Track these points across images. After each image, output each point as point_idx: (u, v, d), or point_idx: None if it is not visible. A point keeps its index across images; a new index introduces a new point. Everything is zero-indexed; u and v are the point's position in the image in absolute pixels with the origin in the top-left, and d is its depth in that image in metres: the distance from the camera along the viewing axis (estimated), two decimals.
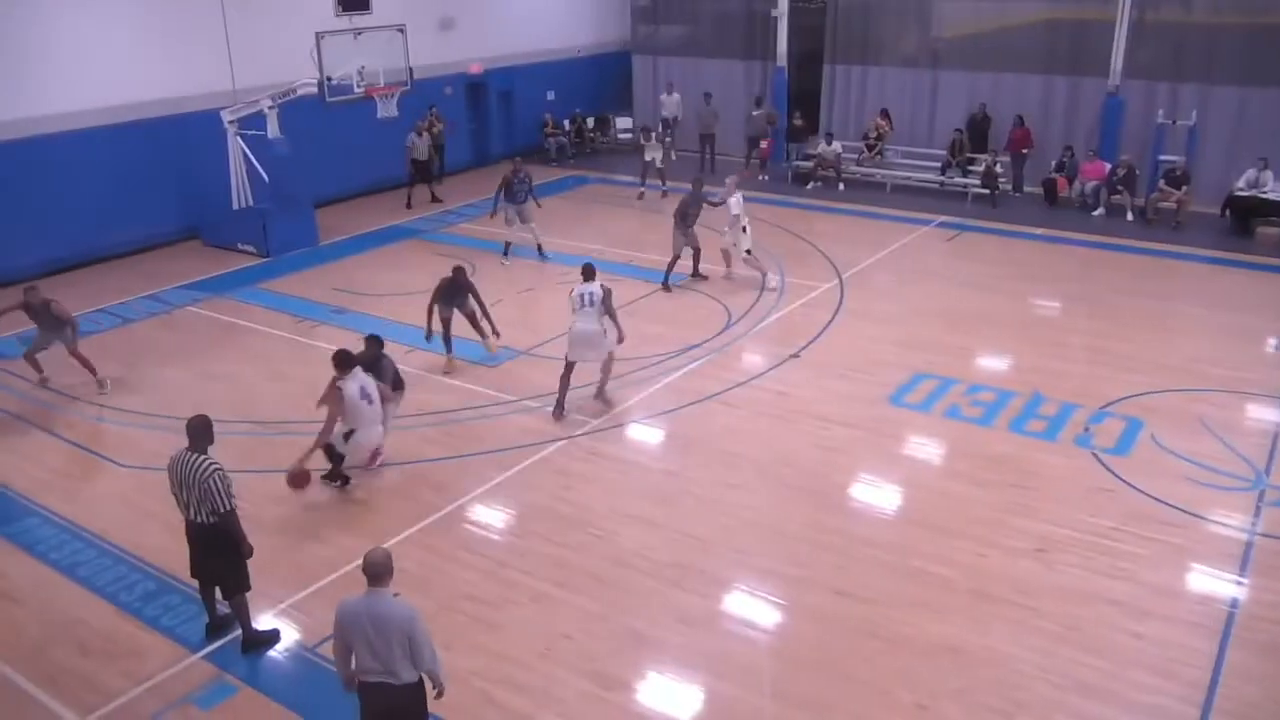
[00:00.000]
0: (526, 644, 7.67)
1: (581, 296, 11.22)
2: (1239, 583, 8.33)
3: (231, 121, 17.69)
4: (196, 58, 18.04)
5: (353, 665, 5.77)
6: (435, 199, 21.20)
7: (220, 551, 7.37)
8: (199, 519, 7.28)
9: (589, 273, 11.56)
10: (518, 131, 25.24)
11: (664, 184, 21.44)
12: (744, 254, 15.63)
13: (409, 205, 20.87)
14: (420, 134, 20.86)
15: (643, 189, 21.48)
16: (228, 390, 12.23)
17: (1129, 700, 6.99)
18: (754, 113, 23.43)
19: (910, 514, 9.49)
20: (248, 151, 17.86)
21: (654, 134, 21.89)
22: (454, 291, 12.54)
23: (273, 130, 17.58)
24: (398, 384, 10.44)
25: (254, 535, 7.54)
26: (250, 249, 17.94)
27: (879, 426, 11.14)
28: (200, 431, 7.28)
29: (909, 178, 22.16)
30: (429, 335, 12.42)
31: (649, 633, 7.78)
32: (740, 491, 9.86)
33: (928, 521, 9.28)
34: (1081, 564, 8.58)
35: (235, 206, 18.22)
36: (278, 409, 11.61)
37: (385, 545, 6.56)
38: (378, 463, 10.04)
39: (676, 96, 24.99)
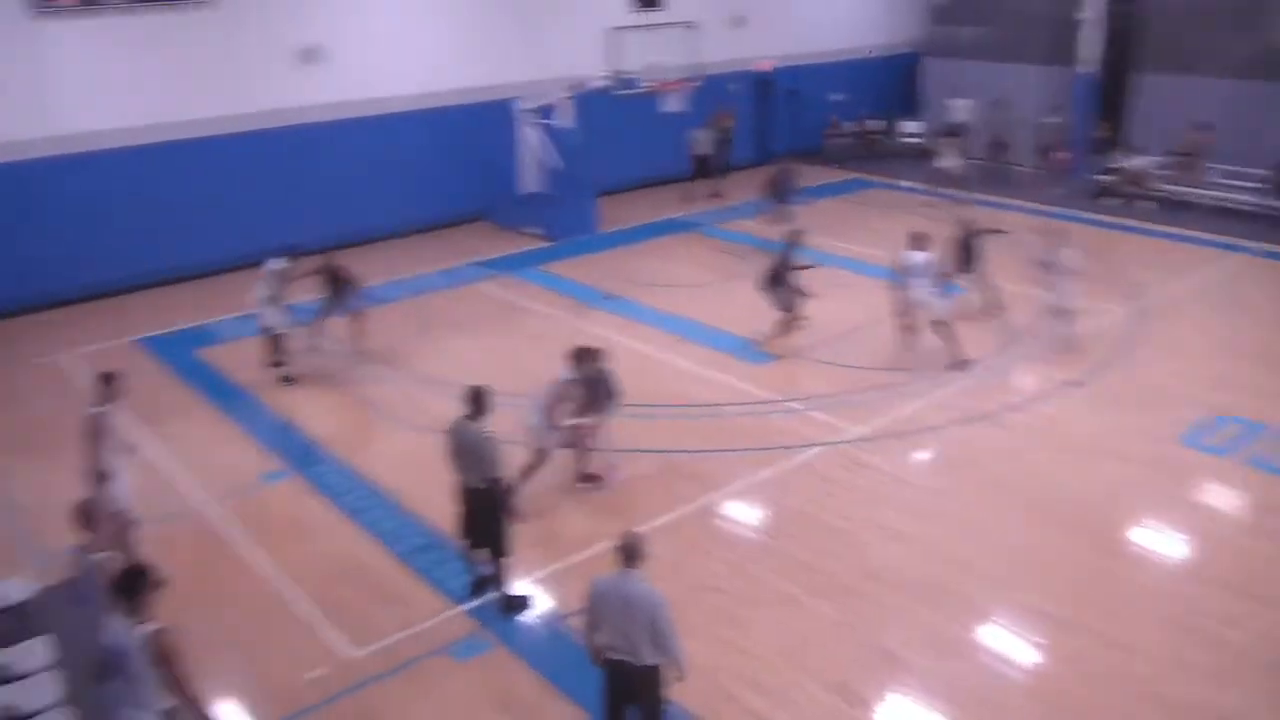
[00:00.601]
0: (770, 645, 7.59)
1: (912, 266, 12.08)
2: None
3: (526, 111, 18.62)
4: (497, 50, 19.22)
5: (599, 641, 5.92)
6: (716, 194, 21.40)
7: (488, 515, 7.78)
8: (471, 483, 7.70)
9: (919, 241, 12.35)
10: (802, 131, 25.03)
11: (959, 192, 20.40)
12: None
13: (689, 199, 21.19)
14: (705, 128, 21.10)
15: (931, 196, 20.66)
16: (505, 363, 12.85)
17: None
18: (1047, 120, 22.06)
19: (1202, 569, 8.61)
20: (538, 140, 18.73)
21: (953, 139, 20.97)
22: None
23: (563, 121, 18.35)
24: (611, 395, 9.82)
25: (520, 503, 7.89)
26: (535, 232, 18.83)
27: (1168, 468, 10.21)
28: (479, 400, 7.70)
29: (1227, 199, 20.15)
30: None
31: (897, 651, 7.50)
32: (1007, 518, 9.33)
33: (1222, 579, 8.38)
34: None
35: (523, 192, 19.18)
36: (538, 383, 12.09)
37: (639, 529, 6.68)
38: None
39: (968, 101, 23.96)
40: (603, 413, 9.76)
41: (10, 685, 6.44)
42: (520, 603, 8.06)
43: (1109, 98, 23.07)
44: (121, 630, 5.44)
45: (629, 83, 18.65)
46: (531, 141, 18.81)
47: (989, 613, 7.99)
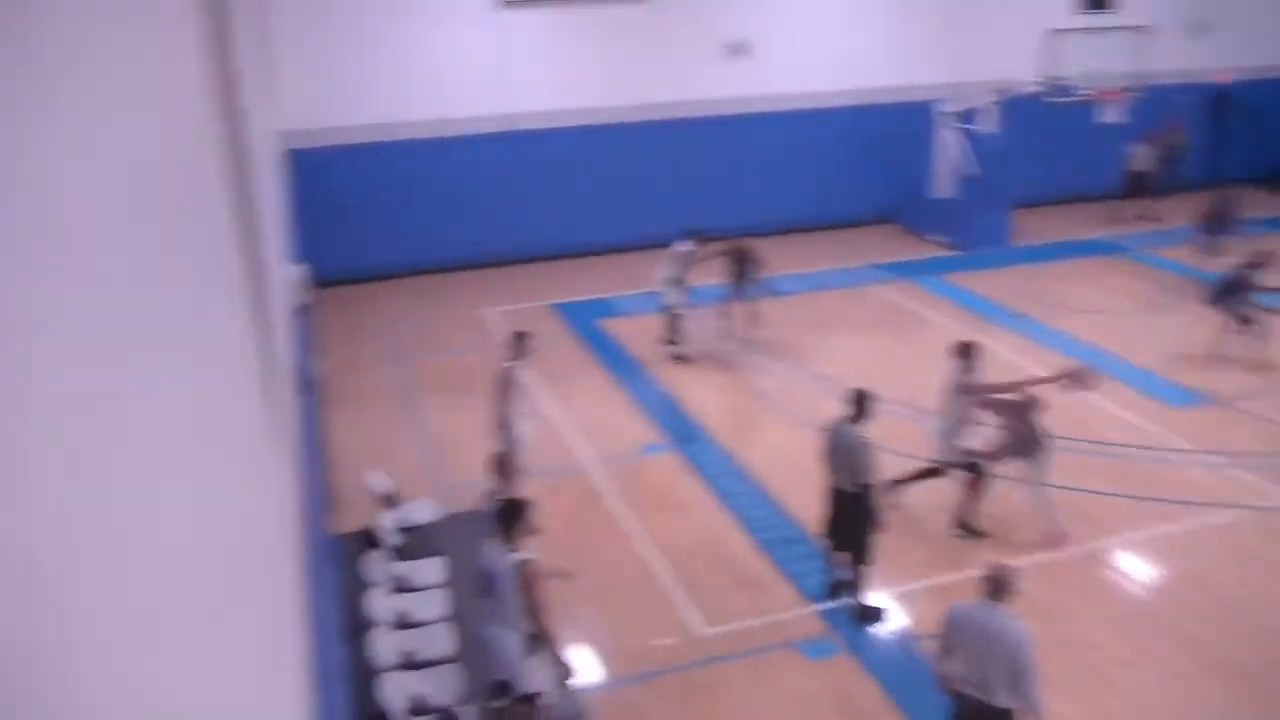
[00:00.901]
0: (1142, 714, 6.83)
1: None
2: None
3: (947, 114, 17.99)
4: (922, 50, 18.73)
5: (951, 671, 5.63)
6: (1147, 216, 19.39)
7: (855, 520, 7.67)
8: (842, 485, 7.61)
9: None
10: (1262, 153, 22.10)
11: None
12: None
13: (1116, 218, 19.46)
14: (1146, 143, 19.30)
15: None
16: (893, 370, 12.52)
17: None
18: None
19: None
20: (957, 145, 18.05)
21: None
22: None
23: (986, 126, 17.54)
24: (1038, 443, 8.75)
25: (890, 515, 7.69)
26: (941, 240, 18.21)
27: None
28: (861, 403, 7.58)
29: None
30: None
31: None
32: None
33: None
34: None
35: (934, 196, 18.60)
36: (934, 397, 11.62)
37: (1011, 563, 6.21)
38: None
39: None
40: (1028, 460, 8.77)
41: (407, 595, 7.30)
42: (874, 614, 7.87)
43: None
44: (496, 554, 6.05)
45: (1063, 89, 17.44)
46: (949, 146, 18.18)
47: None
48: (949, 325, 14.12)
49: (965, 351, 8.92)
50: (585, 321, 14.65)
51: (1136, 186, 19.47)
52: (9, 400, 1.34)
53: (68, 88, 1.98)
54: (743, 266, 13.26)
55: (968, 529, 8.91)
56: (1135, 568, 8.63)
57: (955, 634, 5.61)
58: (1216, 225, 16.65)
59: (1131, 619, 7.91)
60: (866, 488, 7.53)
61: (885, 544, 8.01)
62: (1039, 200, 20.32)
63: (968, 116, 17.81)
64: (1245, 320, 12.07)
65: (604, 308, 15.23)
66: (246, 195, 5.49)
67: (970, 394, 8.77)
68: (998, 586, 5.53)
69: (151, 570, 2.00)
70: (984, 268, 16.86)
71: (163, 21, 3.31)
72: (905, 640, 7.69)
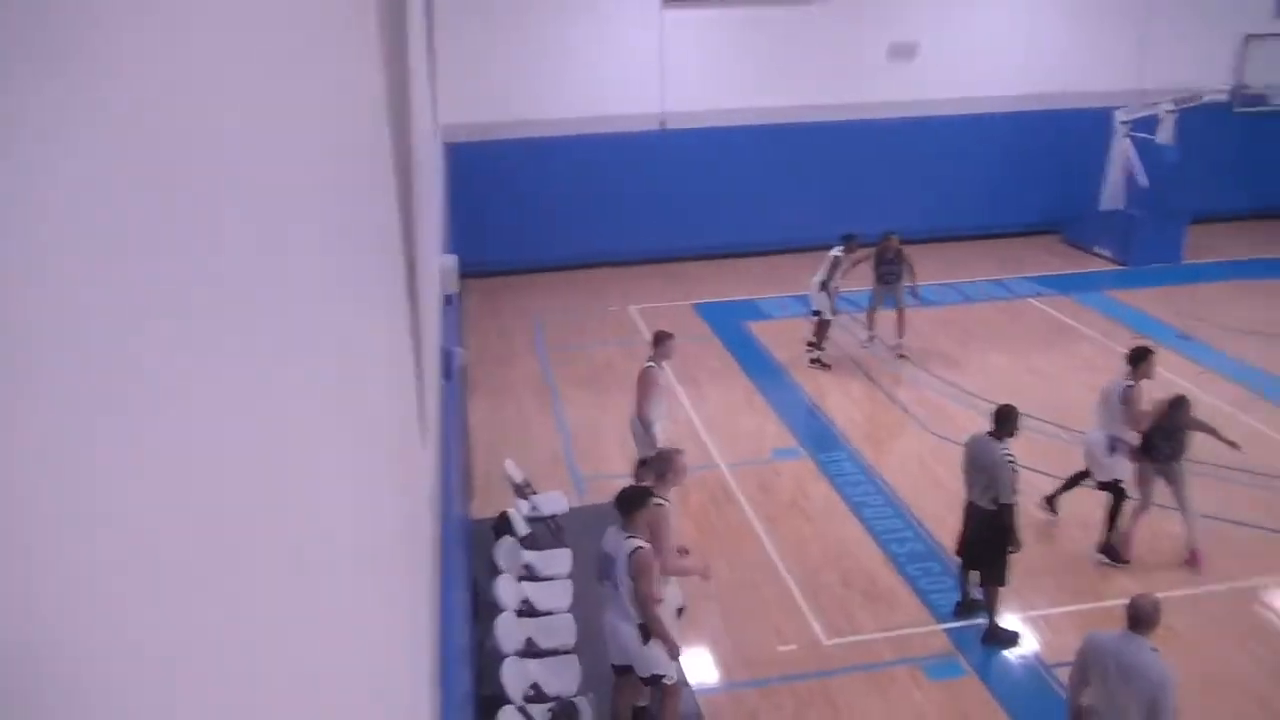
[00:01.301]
0: None
1: None
2: None
3: (1124, 122, 17.16)
4: (1101, 54, 17.89)
5: (1083, 702, 5.41)
6: None
7: (990, 539, 7.45)
8: (980, 502, 7.41)
9: None
10: None
11: None
12: None
13: None
14: None
15: None
16: (1044, 387, 12.09)
17: None
18: None
19: None
20: (1133, 154, 17.20)
21: None
22: None
23: (1165, 136, 16.64)
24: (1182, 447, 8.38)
25: (1028, 536, 7.45)
26: (1107, 254, 17.41)
27: None
28: (1006, 419, 7.39)
29: None
30: None
31: None
32: None
33: None
34: None
35: (1103, 208, 17.78)
36: (1085, 418, 11.15)
37: (1157, 594, 5.90)
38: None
39: None
40: (1169, 466, 8.37)
41: (534, 583, 7.49)
42: (1006, 636, 7.63)
43: None
44: (614, 539, 6.18)
45: (1256, 99, 16.40)
46: (1123, 156, 17.33)
47: None
48: (1108, 344, 13.50)
49: (1139, 357, 8.56)
50: (730, 323, 14.65)
51: None
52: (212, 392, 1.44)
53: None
54: (891, 267, 12.98)
55: (1112, 554, 8.53)
56: None
57: (1091, 665, 5.36)
58: None
59: None
60: (1004, 506, 7.30)
61: (1022, 565, 7.75)
62: (1219, 215, 19.15)
63: (1146, 125, 16.94)
64: None
65: (750, 310, 15.20)
66: (408, 191, 5.74)
67: (1130, 405, 8.40)
68: (1141, 618, 5.24)
69: (311, 551, 2.13)
70: (1151, 285, 16.00)
71: (348, 34, 3.50)
72: (1035, 666, 7.42)
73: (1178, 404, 8.31)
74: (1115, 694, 5.20)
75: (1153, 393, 8.68)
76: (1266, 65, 16.17)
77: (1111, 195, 17.65)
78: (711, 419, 11.48)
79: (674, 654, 6.27)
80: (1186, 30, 17.86)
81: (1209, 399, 11.65)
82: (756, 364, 13.11)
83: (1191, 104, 16.32)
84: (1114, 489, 8.55)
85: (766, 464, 10.51)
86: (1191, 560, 8.50)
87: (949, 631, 7.77)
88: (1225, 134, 17.52)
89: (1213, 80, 16.22)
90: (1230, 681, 7.21)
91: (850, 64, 17.22)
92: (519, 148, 16.51)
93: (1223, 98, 16.16)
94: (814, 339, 12.95)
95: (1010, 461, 7.23)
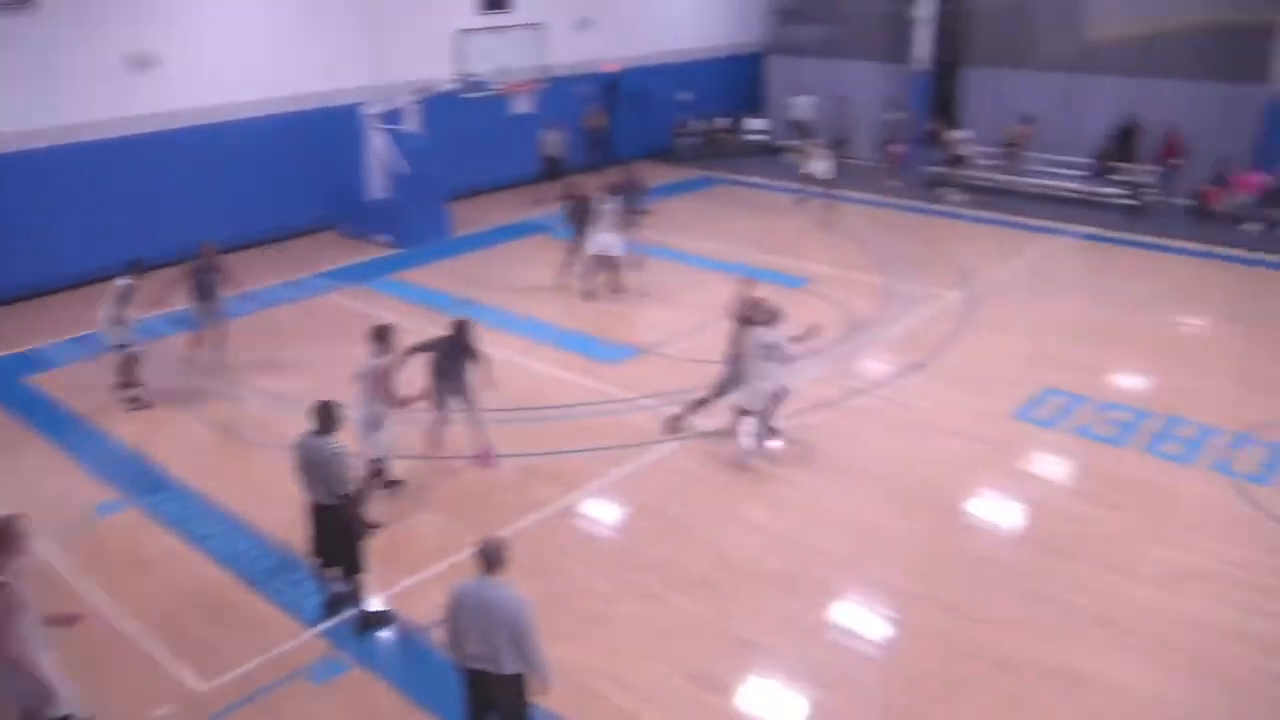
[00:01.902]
0: (633, 642, 7.70)
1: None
2: None
3: (372, 116, 18.30)
4: (341, 55, 18.82)
5: (462, 649, 5.87)
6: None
7: (340, 532, 7.63)
8: (323, 500, 7.55)
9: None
10: (651, 131, 25.35)
11: (828, 193, 20.47)
12: None
13: (539, 200, 21.13)
14: (555, 130, 21.14)
15: (803, 195, 20.90)
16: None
17: None
18: (886, 116, 22.82)
19: (1034, 535, 9.15)
20: (386, 146, 18.44)
21: (818, 143, 21.08)
22: None
23: (411, 125, 18.12)
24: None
25: (368, 520, 7.77)
26: (385, 240, 18.53)
27: (1003, 442, 10.79)
28: (326, 415, 7.54)
29: (1049, 186, 21.38)
30: None
31: (755, 638, 7.71)
32: (856, 502, 9.68)
33: (1052, 543, 8.93)
34: (1218, 597, 8.13)
35: (372, 199, 18.86)
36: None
37: (500, 534, 6.62)
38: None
39: (809, 99, 24.65)
40: (455, 389, 9.98)
41: None
42: (380, 618, 7.94)
43: (942, 93, 24.13)
44: None
45: (477, 85, 18.49)
46: (379, 147, 18.50)
47: (841, 593, 8.29)
48: (404, 322, 14.45)
49: (382, 334, 9.20)
50: (6, 382, 12.80)
51: (552, 169, 21.36)
52: None
53: None
54: (207, 278, 12.44)
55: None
56: (604, 512, 9.59)
57: (459, 614, 5.79)
58: (627, 196, 18.86)
59: (607, 558, 8.81)
60: (345, 498, 7.53)
61: (377, 546, 8.11)
62: (473, 191, 21.53)
63: (392, 117, 18.23)
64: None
65: (30, 362, 13.40)
66: None
67: (382, 380, 9.08)
68: (490, 559, 5.78)
69: None
70: (429, 261, 17.48)
71: None
72: (413, 636, 7.86)
73: (462, 325, 9.93)
74: (484, 633, 5.71)
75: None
76: (480, 55, 18.27)
77: (377, 185, 18.78)
78: (11, 493, 9.98)
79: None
80: (411, 27, 19.55)
81: (497, 351, 13.15)
82: (50, 421, 11.66)
83: (428, 94, 17.94)
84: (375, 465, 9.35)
85: (88, 525, 9.47)
86: (482, 458, 10.20)
87: (325, 633, 7.85)
88: (462, 118, 19.56)
89: (443, 71, 17.94)
90: (570, 589, 8.36)
91: (84, 77, 15.75)
92: None
93: (453, 86, 17.97)
94: (124, 378, 11.87)
95: (341, 453, 7.44)
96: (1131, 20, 21.65)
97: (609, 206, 14.89)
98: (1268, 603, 8.05)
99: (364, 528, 7.75)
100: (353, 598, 7.89)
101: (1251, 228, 18.42)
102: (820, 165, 20.24)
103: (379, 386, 9.05)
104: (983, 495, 9.81)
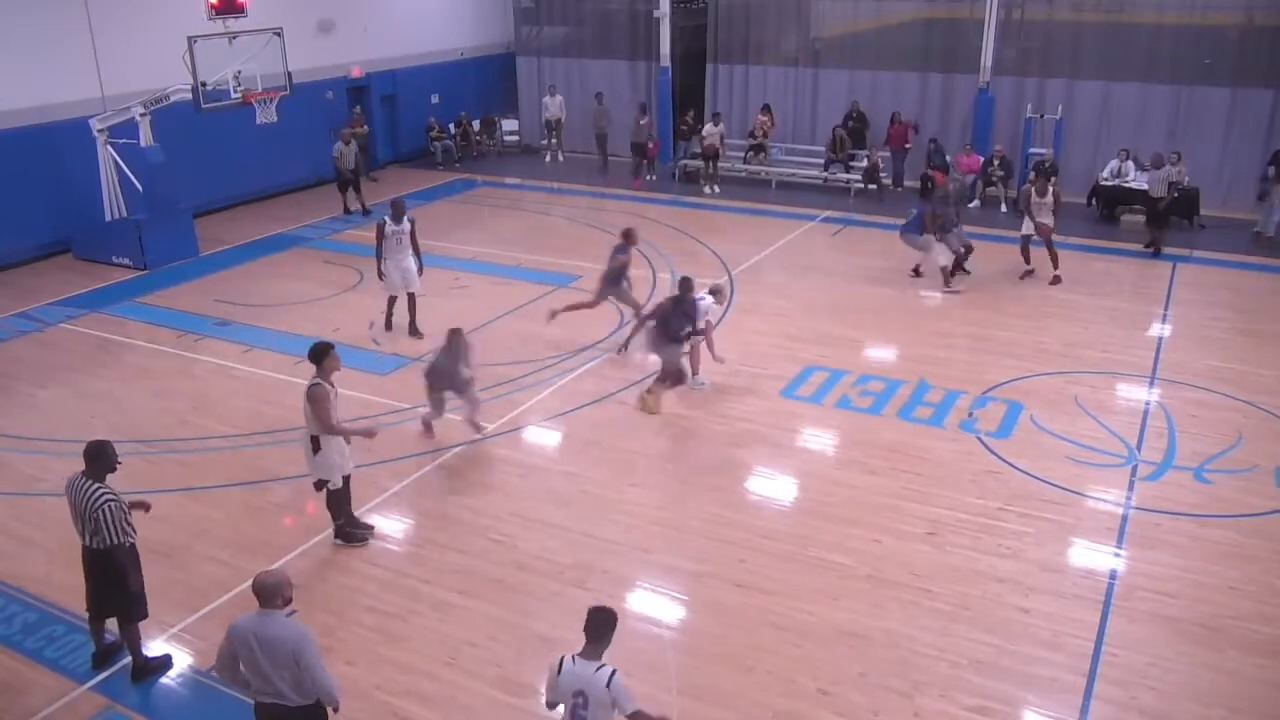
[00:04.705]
0: (430, 654, 7.59)
1: None
2: (1117, 554, 8.75)
3: (101, 130, 17.05)
4: (62, 64, 17.36)
5: (250, 685, 5.62)
6: (364, 210, 20.39)
7: (112, 581, 7.09)
8: (92, 545, 7.01)
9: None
10: (403, 136, 24.91)
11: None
12: None
13: (346, 210, 20.38)
14: (347, 141, 20.02)
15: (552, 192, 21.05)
16: (108, 409, 11.77)
17: (1021, 673, 7.28)
18: (641, 121, 23.38)
19: (807, 504, 9.69)
20: (119, 161, 17.22)
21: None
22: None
23: (145, 138, 17.00)
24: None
25: (142, 558, 7.28)
26: (126, 262, 17.30)
27: (773, 420, 11.35)
28: (95, 457, 6.94)
29: (793, 174, 22.61)
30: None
31: (554, 635, 7.77)
32: (639, 490, 9.93)
33: (824, 511, 9.49)
34: (971, 545, 8.89)
35: (108, 218, 17.56)
36: (163, 427, 11.23)
37: (282, 561, 6.37)
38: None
39: (560, 98, 24.94)
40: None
41: None
42: (158, 664, 7.45)
43: (691, 89, 25.01)
44: None
45: (216, 94, 17.55)
46: (112, 163, 17.24)
47: (633, 579, 8.49)
48: (157, 349, 13.62)
49: (320, 355, 8.57)
50: None
51: (348, 179, 20.13)
52: None
53: None
54: None
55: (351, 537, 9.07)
56: (389, 526, 9.37)
57: (238, 649, 5.51)
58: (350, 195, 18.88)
59: (399, 572, 8.63)
60: (112, 548, 6.97)
61: (150, 588, 7.59)
62: (221, 205, 20.47)
63: (125, 130, 17.03)
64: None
65: None
66: None
67: (317, 403, 8.47)
68: (269, 592, 5.51)
69: None
70: (178, 282, 16.50)
71: None
72: (194, 678, 7.42)
73: (453, 333, 10.55)
74: (266, 669, 5.46)
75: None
76: (214, 63, 17.29)
77: (113, 204, 17.51)
78: None
79: None
80: (141, 35, 18.25)
81: (264, 372, 12.65)
82: None
83: (161, 105, 16.87)
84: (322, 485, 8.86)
85: None
86: (426, 432, 10.82)
87: (97, 687, 7.29)
88: (200, 130, 18.50)
89: (177, 81, 16.89)
90: (354, 605, 8.13)
91: None
92: None
93: (187, 96, 16.96)
94: None
95: (110, 501, 6.86)
96: (856, 18, 23.28)
97: (401, 230, 13.47)
98: (1013, 545, 8.88)
99: (131, 579, 7.15)
100: (126, 646, 7.36)
101: (973, 205, 20.13)
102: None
103: (312, 411, 8.49)
104: (759, 473, 10.30)
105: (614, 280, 13.26)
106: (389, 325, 14.00)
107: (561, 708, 5.61)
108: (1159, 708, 6.94)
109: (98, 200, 17.44)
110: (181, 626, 7.91)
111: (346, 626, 7.82)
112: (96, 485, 6.88)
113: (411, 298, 13.81)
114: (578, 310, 13.40)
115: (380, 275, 13.69)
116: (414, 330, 13.82)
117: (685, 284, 11.65)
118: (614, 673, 5.57)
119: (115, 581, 7.09)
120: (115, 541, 6.93)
